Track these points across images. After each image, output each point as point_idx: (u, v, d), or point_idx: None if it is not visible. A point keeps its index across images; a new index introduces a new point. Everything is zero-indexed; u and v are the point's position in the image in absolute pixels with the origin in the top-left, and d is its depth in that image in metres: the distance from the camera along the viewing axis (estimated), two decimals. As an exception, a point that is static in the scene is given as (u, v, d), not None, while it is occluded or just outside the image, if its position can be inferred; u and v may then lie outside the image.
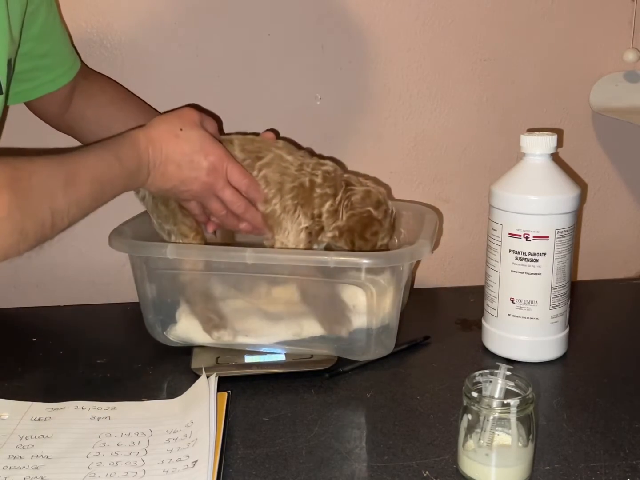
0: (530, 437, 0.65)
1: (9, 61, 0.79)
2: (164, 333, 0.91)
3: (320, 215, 0.89)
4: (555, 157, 0.86)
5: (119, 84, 1.05)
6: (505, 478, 0.65)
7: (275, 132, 1.02)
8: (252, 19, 1.07)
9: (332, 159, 0.96)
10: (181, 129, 0.84)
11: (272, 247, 0.90)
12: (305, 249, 0.89)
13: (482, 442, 0.64)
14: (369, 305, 0.84)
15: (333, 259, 0.82)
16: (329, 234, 0.90)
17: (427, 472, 0.67)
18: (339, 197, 0.89)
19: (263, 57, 1.09)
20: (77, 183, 0.73)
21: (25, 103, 0.96)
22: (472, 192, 1.17)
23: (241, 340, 0.89)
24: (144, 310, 0.92)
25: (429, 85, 1.13)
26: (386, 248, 0.92)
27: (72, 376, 0.86)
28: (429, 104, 1.14)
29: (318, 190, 0.89)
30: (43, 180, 0.71)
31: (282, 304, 0.90)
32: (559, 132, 1.04)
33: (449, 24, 1.10)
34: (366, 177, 0.95)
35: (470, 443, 0.65)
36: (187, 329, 0.90)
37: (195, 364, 0.86)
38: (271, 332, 0.88)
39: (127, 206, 0.98)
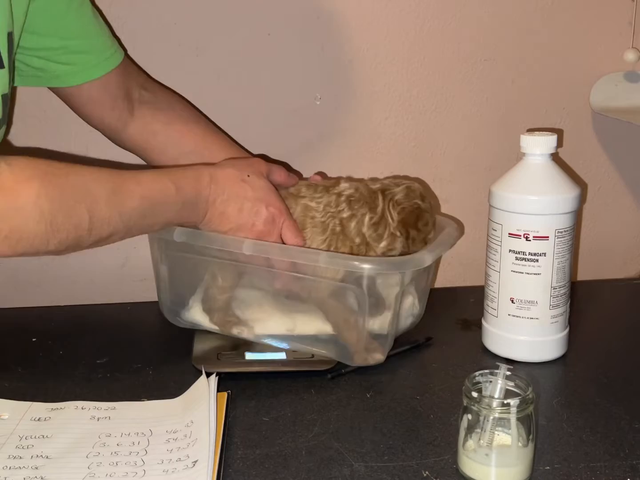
0: (530, 437, 0.65)
1: (9, 34, 0.78)
2: (176, 316, 0.93)
3: (363, 240, 0.87)
4: (555, 157, 0.86)
5: (189, 102, 1.03)
6: (505, 478, 0.65)
7: (321, 174, 1.01)
8: (252, 19, 1.07)
9: (338, 177, 0.96)
10: (248, 176, 0.85)
11: None
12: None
13: (482, 442, 0.64)
14: (362, 310, 0.84)
15: (333, 260, 0.82)
16: (382, 244, 0.87)
17: (427, 472, 0.67)
18: (379, 207, 0.87)
19: (263, 57, 1.09)
20: (123, 194, 0.73)
21: (77, 109, 0.94)
22: (472, 192, 1.17)
23: (255, 332, 0.90)
24: (158, 291, 0.94)
25: (429, 85, 1.13)
26: (428, 242, 0.90)
27: (72, 376, 0.86)
28: (429, 104, 1.14)
29: (352, 223, 0.87)
30: (83, 181, 0.71)
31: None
32: (559, 132, 1.04)
33: (449, 24, 1.10)
34: (396, 176, 0.93)
35: (470, 443, 0.65)
36: (199, 313, 0.92)
37: (196, 358, 0.86)
38: (265, 325, 0.89)
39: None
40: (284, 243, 0.87)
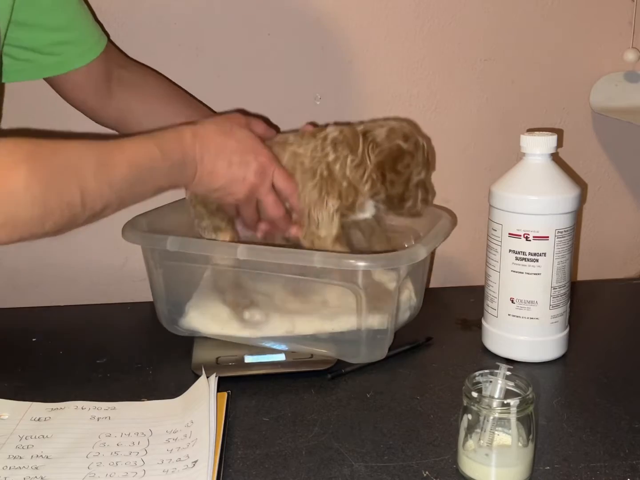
0: (530, 437, 0.65)
1: None
2: (173, 324, 0.93)
3: (349, 183, 0.87)
4: (555, 157, 0.86)
5: (165, 77, 1.04)
6: (505, 478, 0.65)
7: (313, 124, 1.00)
8: (252, 19, 1.07)
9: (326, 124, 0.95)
10: (230, 129, 0.84)
11: (304, 239, 0.89)
12: (338, 234, 0.88)
13: (482, 442, 0.64)
14: (360, 307, 0.84)
15: (328, 260, 0.81)
16: (366, 187, 0.88)
17: (427, 472, 0.67)
18: (360, 148, 0.87)
19: (263, 57, 1.09)
20: (110, 165, 0.72)
21: (60, 93, 0.96)
22: (472, 192, 1.17)
23: (254, 332, 0.90)
24: (155, 300, 0.94)
25: (429, 85, 1.13)
26: (424, 184, 0.90)
27: (72, 376, 0.86)
28: (429, 104, 1.14)
29: (337, 166, 0.87)
30: (69, 157, 0.70)
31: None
32: (559, 132, 1.04)
33: (449, 24, 1.10)
34: (387, 118, 0.92)
35: (470, 443, 0.65)
36: (195, 320, 0.92)
37: (195, 363, 0.86)
38: (265, 327, 0.89)
39: (129, 207, 0.98)
40: (276, 192, 0.86)
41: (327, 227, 0.88)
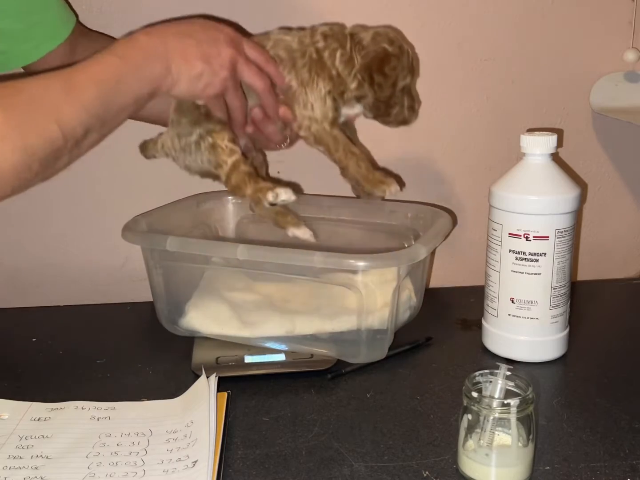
0: (530, 437, 0.65)
1: None
2: (173, 324, 0.93)
3: (338, 74, 0.88)
4: (555, 157, 0.86)
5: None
6: (505, 478, 0.65)
7: None
8: (252, 19, 1.07)
9: None
10: (180, 21, 0.82)
11: (300, 128, 0.89)
12: (334, 118, 0.88)
13: (482, 442, 0.64)
14: (360, 307, 0.84)
15: (328, 260, 0.81)
16: (353, 85, 0.88)
17: (427, 472, 0.67)
18: (348, 46, 0.88)
19: (263, 57, 1.08)
20: (78, 89, 0.70)
21: (26, 69, 0.93)
22: (472, 192, 1.17)
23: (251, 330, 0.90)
24: (154, 300, 0.94)
25: (429, 85, 1.13)
26: (409, 90, 0.91)
27: (72, 376, 0.86)
28: (430, 104, 1.13)
29: (325, 53, 0.88)
30: (36, 93, 0.68)
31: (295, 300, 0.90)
32: (559, 132, 1.04)
33: (449, 24, 1.10)
34: (384, 26, 0.94)
35: (470, 443, 0.65)
36: (195, 320, 0.91)
37: (195, 363, 0.86)
38: (264, 328, 0.89)
39: (129, 207, 0.98)
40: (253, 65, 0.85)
41: (322, 108, 0.88)
